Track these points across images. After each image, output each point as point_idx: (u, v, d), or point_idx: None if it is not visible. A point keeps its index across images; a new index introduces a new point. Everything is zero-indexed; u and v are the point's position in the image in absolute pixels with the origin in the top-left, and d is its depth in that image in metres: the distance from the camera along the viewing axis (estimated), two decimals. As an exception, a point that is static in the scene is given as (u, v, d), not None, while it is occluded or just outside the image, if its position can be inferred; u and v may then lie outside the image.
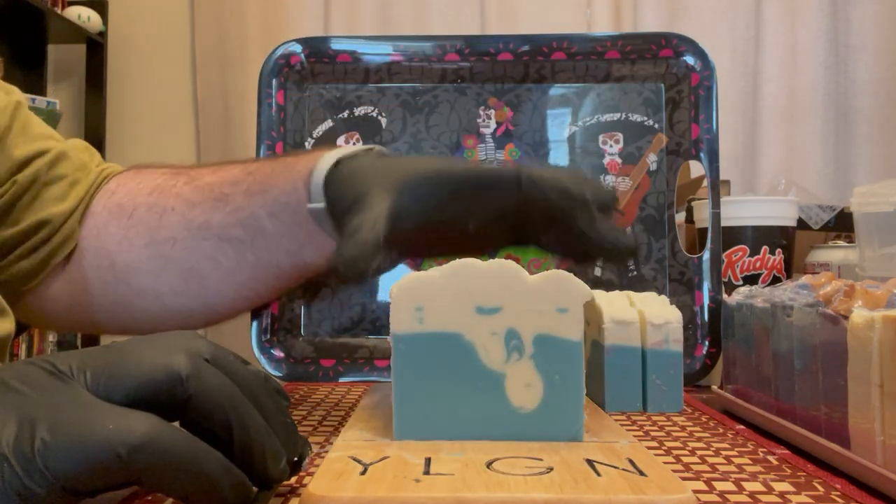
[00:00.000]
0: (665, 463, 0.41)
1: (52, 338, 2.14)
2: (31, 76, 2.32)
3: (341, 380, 0.69)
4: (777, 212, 0.80)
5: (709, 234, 0.70)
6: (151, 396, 0.28)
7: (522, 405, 0.39)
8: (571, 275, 0.40)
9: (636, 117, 0.73)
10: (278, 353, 0.70)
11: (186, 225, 0.55)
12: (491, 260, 0.40)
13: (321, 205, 0.50)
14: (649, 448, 0.44)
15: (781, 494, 0.36)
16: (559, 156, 0.73)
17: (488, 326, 0.39)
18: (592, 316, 0.57)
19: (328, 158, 0.51)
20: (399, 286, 0.40)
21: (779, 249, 0.79)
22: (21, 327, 0.52)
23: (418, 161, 0.49)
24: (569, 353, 0.40)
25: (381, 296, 0.72)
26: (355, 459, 0.35)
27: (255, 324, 0.70)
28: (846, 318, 0.39)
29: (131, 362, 0.28)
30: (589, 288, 0.40)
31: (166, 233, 0.55)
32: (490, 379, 0.39)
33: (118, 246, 0.56)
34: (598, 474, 0.33)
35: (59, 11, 2.19)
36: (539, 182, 0.46)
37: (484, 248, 0.51)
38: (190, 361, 0.29)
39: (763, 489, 0.37)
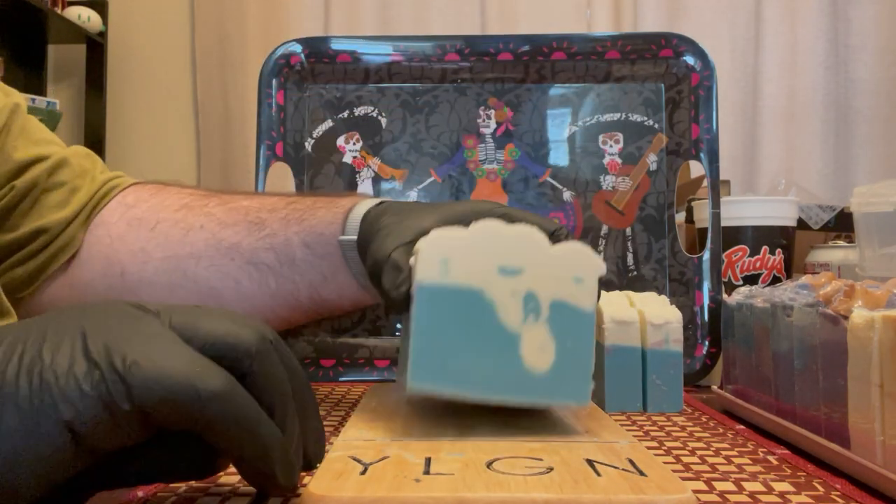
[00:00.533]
0: (665, 463, 0.41)
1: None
2: (31, 76, 2.32)
3: (341, 380, 0.69)
4: (777, 212, 0.80)
5: (709, 234, 0.70)
6: (217, 359, 0.29)
7: (535, 366, 0.40)
8: (589, 248, 0.41)
9: (636, 117, 0.73)
10: (278, 353, 0.70)
11: (215, 244, 0.55)
12: (515, 225, 0.41)
13: (353, 237, 0.51)
14: (649, 448, 0.44)
15: (781, 494, 0.36)
16: (559, 156, 0.73)
17: (509, 287, 0.40)
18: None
19: (373, 200, 0.53)
20: (427, 240, 0.40)
21: (779, 249, 0.79)
22: None
23: (456, 203, 0.51)
24: (581, 321, 0.41)
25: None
26: (355, 459, 0.35)
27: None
28: (846, 318, 0.39)
29: (211, 321, 0.29)
30: (603, 262, 0.42)
31: (190, 249, 0.55)
32: (506, 338, 0.40)
33: (133, 257, 0.55)
34: (598, 474, 0.33)
35: (59, 11, 2.19)
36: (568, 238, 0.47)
37: None
38: (261, 342, 0.29)
39: (763, 489, 0.37)
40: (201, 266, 0.55)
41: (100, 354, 0.26)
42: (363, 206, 0.53)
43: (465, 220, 0.47)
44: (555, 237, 0.46)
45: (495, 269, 0.40)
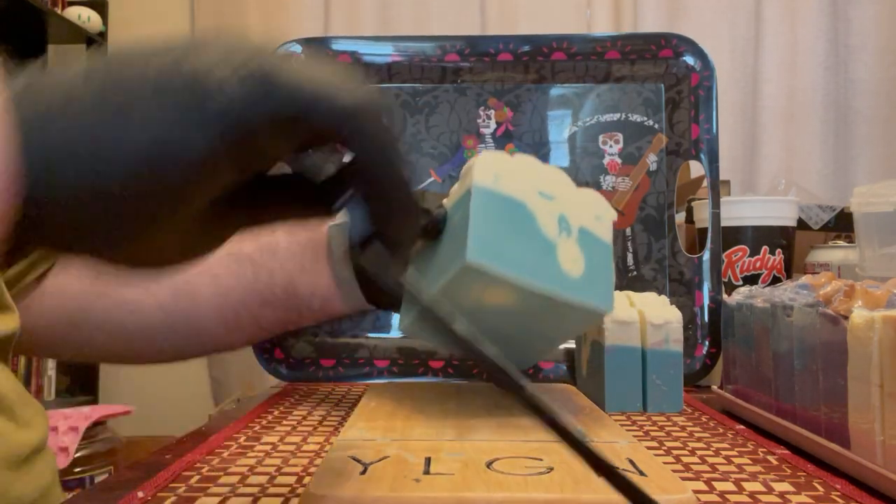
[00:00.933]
0: (665, 463, 0.41)
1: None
2: (31, 76, 2.31)
3: (341, 380, 0.69)
4: (777, 212, 0.80)
5: (709, 234, 0.70)
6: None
7: (569, 270, 0.43)
8: (603, 198, 0.48)
9: (636, 117, 0.73)
10: (278, 354, 0.70)
11: None
12: (548, 165, 0.46)
13: (346, 219, 0.51)
14: (649, 448, 0.44)
15: (781, 494, 0.36)
16: (559, 156, 0.73)
17: (546, 207, 0.44)
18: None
19: None
20: (478, 157, 0.44)
21: (779, 249, 0.79)
22: None
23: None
24: (602, 250, 0.45)
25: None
26: (355, 459, 0.35)
27: (255, 324, 0.70)
28: (846, 318, 0.39)
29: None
30: (614, 210, 0.47)
31: None
32: (546, 243, 0.43)
33: None
34: (598, 474, 0.33)
35: (59, 11, 2.19)
36: None
37: None
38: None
39: (763, 489, 0.37)
40: None
41: (243, 62, 0.26)
42: None
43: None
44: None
45: (536, 190, 0.44)
